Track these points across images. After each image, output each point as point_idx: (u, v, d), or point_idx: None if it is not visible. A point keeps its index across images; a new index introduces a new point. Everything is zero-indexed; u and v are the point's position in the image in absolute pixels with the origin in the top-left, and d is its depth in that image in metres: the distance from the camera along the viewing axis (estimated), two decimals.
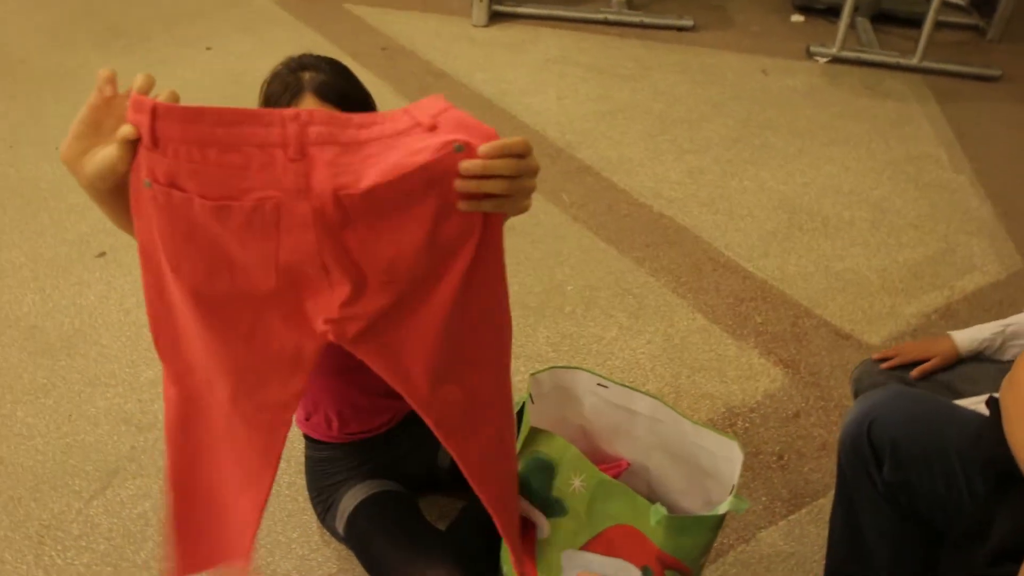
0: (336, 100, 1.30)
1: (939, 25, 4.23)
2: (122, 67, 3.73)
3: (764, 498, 1.88)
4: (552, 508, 1.31)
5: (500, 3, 4.45)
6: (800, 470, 1.96)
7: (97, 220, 2.68)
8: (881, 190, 3.17)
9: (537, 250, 2.67)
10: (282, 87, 1.30)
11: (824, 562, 1.54)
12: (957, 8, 4.84)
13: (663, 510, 1.20)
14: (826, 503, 1.86)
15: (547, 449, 1.31)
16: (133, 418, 1.99)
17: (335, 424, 1.58)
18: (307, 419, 1.60)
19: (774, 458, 1.99)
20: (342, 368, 1.47)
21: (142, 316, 2.29)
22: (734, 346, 2.34)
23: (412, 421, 1.68)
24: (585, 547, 1.30)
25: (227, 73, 3.72)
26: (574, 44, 4.21)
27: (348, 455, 1.62)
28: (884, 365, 1.67)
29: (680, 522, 1.22)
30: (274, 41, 4.06)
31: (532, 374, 1.41)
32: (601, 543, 1.28)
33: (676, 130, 3.51)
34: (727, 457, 1.35)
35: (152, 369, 2.13)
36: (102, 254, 2.54)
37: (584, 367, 1.50)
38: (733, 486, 1.29)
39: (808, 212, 3.00)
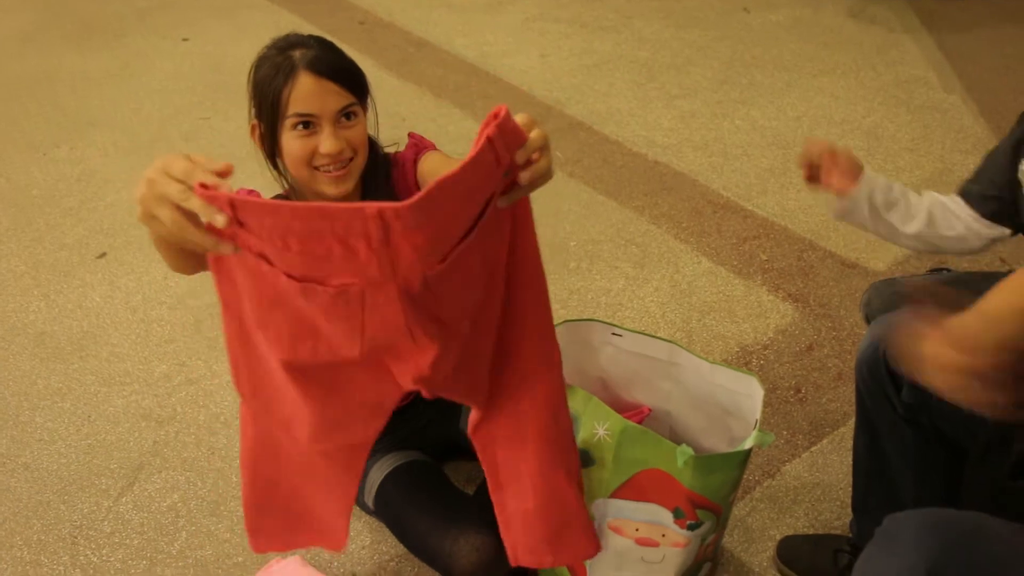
0: (330, 74, 1.27)
1: None
2: (100, 65, 3.71)
3: (785, 432, 1.89)
4: (582, 458, 1.31)
5: None
6: (818, 401, 1.97)
7: (95, 222, 2.68)
8: (873, 117, 3.16)
9: (536, 209, 2.64)
10: (273, 70, 1.26)
11: (850, 489, 1.56)
12: None
13: (689, 450, 1.21)
14: (847, 431, 1.88)
15: (569, 402, 1.31)
16: (152, 413, 2.00)
17: None
18: None
19: (791, 392, 2.00)
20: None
21: (150, 312, 2.29)
22: (742, 285, 2.34)
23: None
24: (615, 494, 1.31)
25: (206, 61, 3.69)
26: (552, 0, 4.16)
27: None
28: (805, 177, 1.57)
29: (707, 461, 1.23)
30: (250, 25, 4.01)
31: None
32: (631, 489, 1.29)
33: (663, 77, 3.48)
34: (747, 393, 1.36)
35: (165, 363, 2.14)
36: (103, 255, 2.54)
37: (597, 318, 1.50)
38: (756, 421, 1.30)
39: (802, 145, 2.98)
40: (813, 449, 1.85)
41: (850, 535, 1.56)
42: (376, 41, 3.85)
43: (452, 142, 2.99)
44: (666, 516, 1.29)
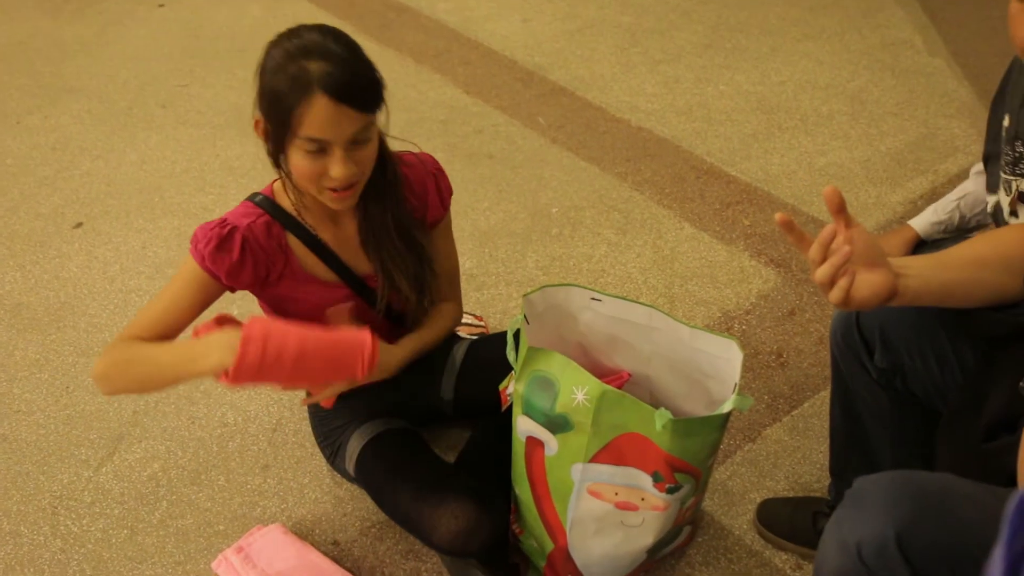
0: (348, 98, 1.16)
1: None
2: (76, 31, 3.64)
3: (767, 396, 1.89)
4: (558, 425, 1.31)
5: None
6: (800, 366, 1.97)
7: (70, 191, 2.64)
8: (858, 81, 3.14)
9: (518, 176, 2.64)
10: (287, 82, 1.17)
11: (829, 454, 1.57)
12: None
13: (667, 414, 1.20)
14: (827, 395, 1.87)
15: (546, 367, 1.30)
16: None
17: None
18: None
19: (773, 357, 2.00)
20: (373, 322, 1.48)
21: (128, 282, 2.27)
22: (724, 251, 2.33)
23: (419, 361, 1.67)
24: (594, 459, 1.30)
25: (183, 28, 3.63)
26: None
27: (356, 395, 1.60)
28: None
29: (685, 425, 1.22)
30: None
31: (524, 295, 1.40)
32: (610, 453, 1.29)
33: (647, 41, 3.45)
34: (727, 357, 1.35)
35: None
36: (79, 224, 2.50)
37: (576, 283, 1.48)
38: (735, 384, 1.29)
39: (786, 110, 2.97)
40: (794, 413, 1.85)
41: (829, 498, 1.57)
42: (355, 5, 3.79)
43: (432, 108, 2.96)
44: (645, 480, 1.29)
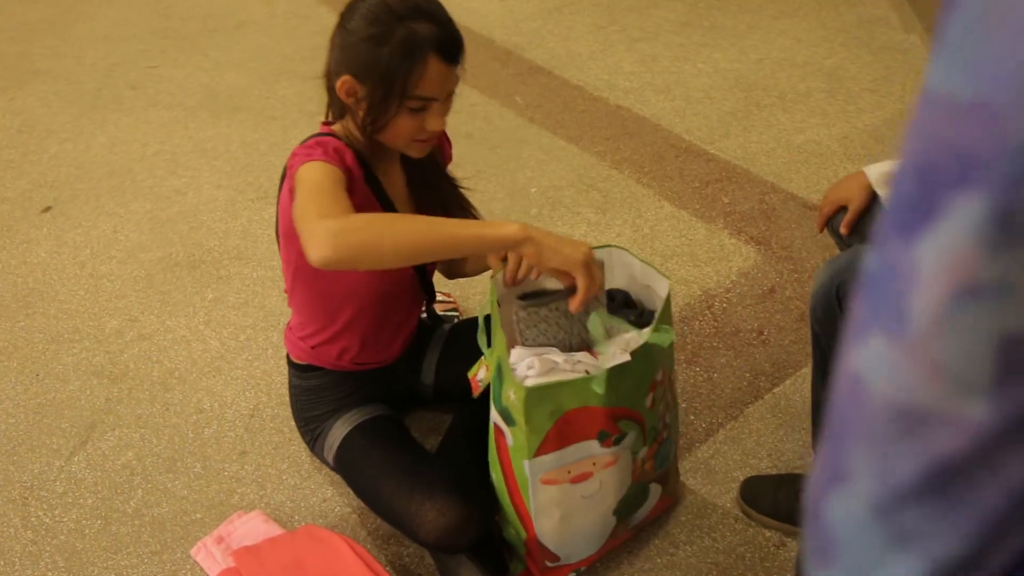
0: (457, 58, 1.25)
1: None
2: (42, 12, 3.54)
3: (748, 375, 1.88)
4: (508, 418, 1.29)
5: None
6: (781, 343, 1.97)
7: (38, 175, 2.58)
8: (835, 58, 3.13)
9: (496, 156, 2.61)
10: (399, 48, 1.20)
11: (811, 429, 1.56)
12: None
13: (595, 367, 1.19)
14: (808, 372, 1.87)
15: (501, 355, 1.29)
16: (104, 370, 1.94)
17: (350, 353, 1.53)
18: (313, 347, 1.55)
19: (754, 335, 2.00)
20: (386, 294, 1.49)
21: (99, 267, 2.22)
22: (704, 229, 2.32)
23: (408, 348, 1.66)
24: (538, 453, 1.27)
25: (152, 7, 3.56)
26: None
27: (340, 383, 1.59)
28: (818, 225, 1.63)
29: (617, 372, 1.21)
30: None
31: (492, 275, 1.37)
32: (551, 441, 1.26)
33: (624, 19, 3.42)
34: (660, 293, 1.36)
35: (116, 319, 2.08)
36: (47, 209, 2.45)
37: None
38: (654, 318, 1.28)
39: (764, 88, 2.96)
40: (776, 391, 1.84)
41: None
42: None
43: None
44: (592, 446, 1.28)
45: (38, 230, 2.37)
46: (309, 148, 1.27)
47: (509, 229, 1.13)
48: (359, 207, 1.34)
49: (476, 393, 1.43)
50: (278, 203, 1.40)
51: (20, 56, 3.21)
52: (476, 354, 1.42)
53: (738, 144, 2.67)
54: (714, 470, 1.68)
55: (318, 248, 1.08)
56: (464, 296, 2.10)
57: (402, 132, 1.29)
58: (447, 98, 1.30)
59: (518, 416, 1.24)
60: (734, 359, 1.92)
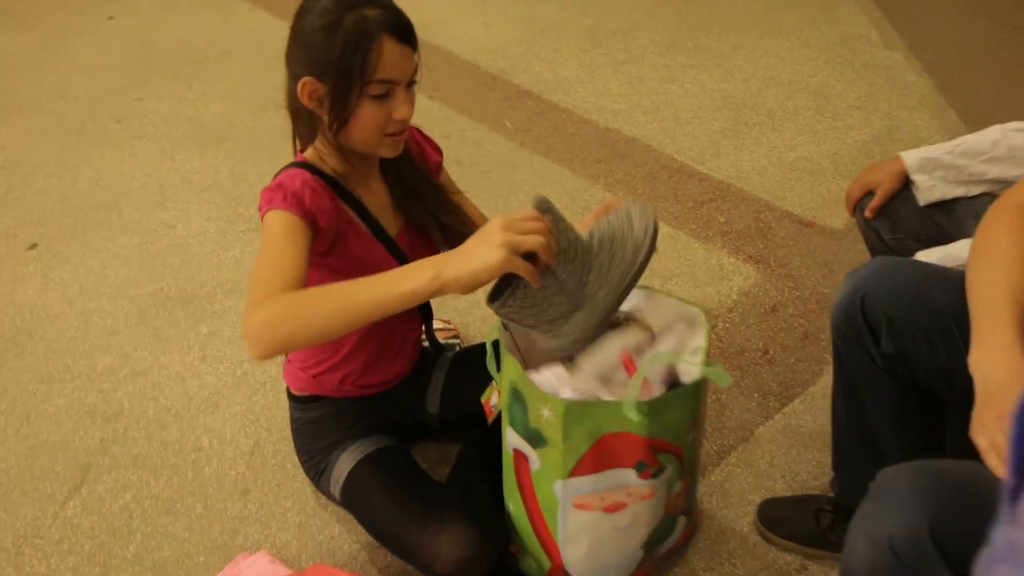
0: (410, 38, 1.24)
1: None
2: (21, 45, 3.49)
3: (756, 395, 1.86)
4: (535, 439, 1.26)
5: None
6: (787, 362, 1.95)
7: (23, 212, 2.53)
8: (820, 76, 3.15)
9: (489, 181, 2.59)
10: (351, 34, 1.19)
11: (826, 448, 1.54)
12: None
13: (633, 399, 1.15)
14: (816, 391, 1.86)
15: (515, 377, 1.26)
16: (97, 409, 1.89)
17: (352, 378, 1.50)
18: (315, 376, 1.51)
19: (759, 354, 1.98)
20: (385, 321, 1.43)
21: (89, 304, 2.18)
22: (702, 249, 2.30)
23: (411, 375, 1.63)
24: (574, 473, 1.25)
25: (134, 39, 3.52)
26: None
27: (343, 412, 1.55)
28: (848, 207, 1.65)
29: (658, 403, 1.18)
30: (175, 4, 3.84)
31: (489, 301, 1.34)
32: (588, 463, 1.23)
33: (609, 42, 3.43)
34: (693, 319, 1.33)
35: (109, 356, 2.02)
36: (33, 246, 2.40)
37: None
38: (699, 348, 1.25)
39: (752, 107, 2.96)
40: (785, 410, 1.82)
41: (831, 494, 1.54)
42: None
43: None
44: (629, 475, 1.25)
45: (24, 268, 2.32)
46: (272, 191, 1.25)
47: (420, 281, 1.07)
48: (340, 232, 1.34)
49: (491, 418, 1.40)
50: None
51: (1, 90, 3.16)
52: (482, 381, 1.40)
53: (730, 163, 2.67)
54: (729, 493, 1.65)
55: (253, 346, 1.10)
56: (464, 323, 2.07)
57: (370, 125, 1.26)
58: (409, 85, 1.27)
59: (554, 434, 1.21)
60: (741, 379, 1.90)
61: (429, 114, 2.88)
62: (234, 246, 2.35)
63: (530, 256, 1.09)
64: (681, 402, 1.23)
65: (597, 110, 2.97)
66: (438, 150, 1.55)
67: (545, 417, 1.21)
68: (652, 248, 1.18)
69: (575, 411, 1.19)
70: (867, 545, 0.97)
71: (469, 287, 1.07)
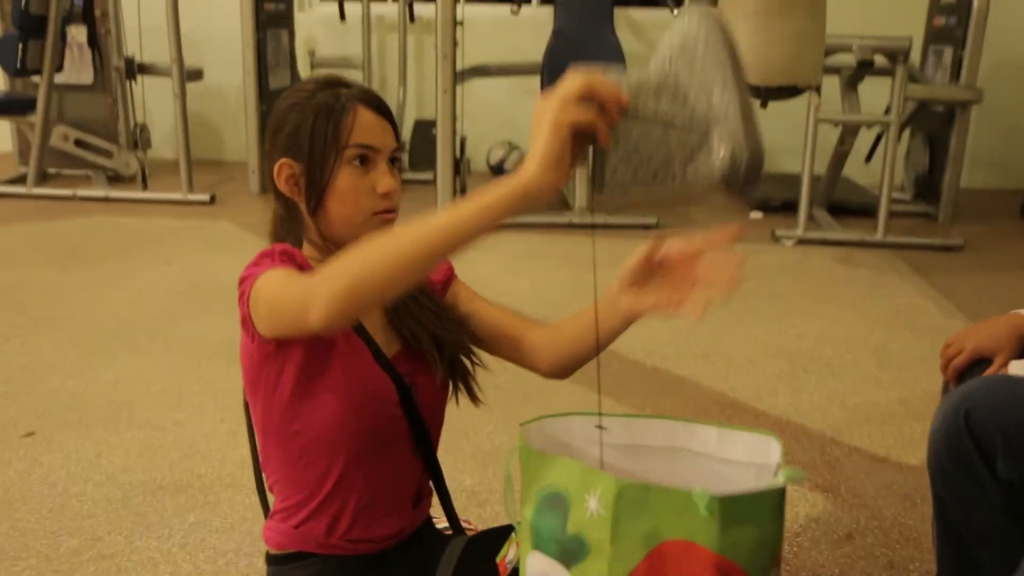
0: (384, 111, 1.19)
1: (892, 214, 4.31)
2: (76, 281, 3.56)
3: None
4: (572, 553, 0.98)
5: None
6: None
7: (30, 405, 2.41)
8: (878, 336, 3.02)
9: (529, 405, 2.41)
10: (324, 107, 1.16)
11: None
12: (902, 202, 4.99)
13: (708, 491, 0.90)
14: None
15: (557, 478, 1.02)
16: None
17: (341, 526, 1.25)
18: (297, 526, 1.26)
19: None
20: (373, 452, 1.25)
21: (71, 487, 1.98)
22: None
23: (412, 546, 1.36)
24: None
25: (185, 277, 3.58)
26: (541, 242, 4.19)
27: (330, 573, 1.27)
28: (947, 373, 1.39)
29: (735, 503, 0.92)
30: (235, 254, 3.97)
31: (522, 424, 1.13)
32: None
33: None
34: (765, 450, 1.07)
35: (76, 538, 1.76)
36: (31, 434, 2.22)
37: (578, 411, 1.22)
38: (778, 464, 1.01)
39: (809, 356, 2.81)
40: None
41: None
42: None
43: None
44: None
45: (14, 452, 2.13)
46: (253, 267, 1.11)
47: (500, 189, 0.88)
48: (335, 347, 1.17)
49: None
50: (240, 355, 1.22)
51: (44, 308, 3.16)
52: (493, 566, 1.21)
53: (788, 402, 2.47)
54: None
55: (315, 309, 0.92)
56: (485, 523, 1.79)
57: (349, 196, 1.15)
58: (392, 161, 1.18)
59: (600, 534, 0.94)
60: None
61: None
62: (243, 446, 2.14)
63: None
64: (759, 510, 0.96)
65: (644, 353, 2.84)
66: (447, 267, 1.40)
67: (591, 513, 0.96)
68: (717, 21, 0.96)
69: (629, 496, 0.94)
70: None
71: (554, 175, 0.87)
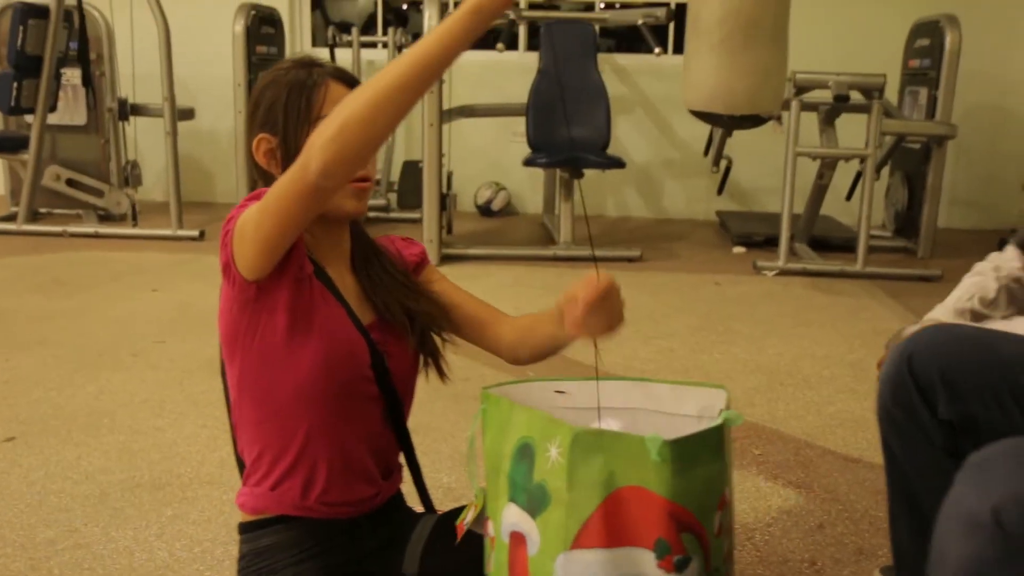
0: (356, 85, 1.24)
1: (872, 249, 4.39)
2: (63, 307, 3.58)
3: None
4: (537, 501, 1.02)
5: (449, 247, 4.55)
6: (839, 574, 1.63)
7: (12, 414, 2.43)
8: (856, 353, 3.06)
9: None
10: (298, 81, 1.22)
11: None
12: (883, 238, 5.07)
13: (660, 437, 0.94)
14: None
15: (526, 428, 1.06)
16: None
17: (317, 486, 1.27)
18: (273, 487, 1.28)
19: (806, 564, 1.66)
20: (345, 412, 1.28)
21: (49, 485, 1.99)
22: (735, 475, 2.06)
23: (384, 518, 1.39)
24: (577, 542, 0.98)
25: (172, 303, 3.61)
26: (526, 273, 4.25)
27: (300, 540, 1.29)
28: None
29: (683, 446, 0.97)
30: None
31: (484, 388, 1.18)
32: (597, 528, 0.97)
33: (640, 323, 3.42)
34: (714, 404, 1.16)
35: (53, 529, 1.77)
36: (11, 439, 2.23)
37: (535, 378, 1.27)
38: (720, 410, 1.09)
39: (787, 372, 2.85)
40: None
41: None
42: None
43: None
44: (647, 559, 0.97)
45: None
46: (238, 210, 1.16)
47: (454, 15, 0.96)
48: (314, 302, 1.23)
49: (459, 537, 1.21)
50: (219, 313, 1.26)
51: (29, 333, 3.18)
52: (472, 541, 1.20)
53: (765, 411, 2.50)
54: None
55: (314, 160, 1.00)
56: None
57: None
58: None
59: (558, 482, 0.98)
60: None
61: (454, 364, 2.81)
62: (224, 448, 2.17)
63: None
64: (704, 450, 1.01)
65: (624, 369, 2.87)
66: (420, 251, 1.46)
67: (552, 461, 1.00)
68: None
69: (584, 442, 0.98)
70: (965, 529, 0.71)
71: None
